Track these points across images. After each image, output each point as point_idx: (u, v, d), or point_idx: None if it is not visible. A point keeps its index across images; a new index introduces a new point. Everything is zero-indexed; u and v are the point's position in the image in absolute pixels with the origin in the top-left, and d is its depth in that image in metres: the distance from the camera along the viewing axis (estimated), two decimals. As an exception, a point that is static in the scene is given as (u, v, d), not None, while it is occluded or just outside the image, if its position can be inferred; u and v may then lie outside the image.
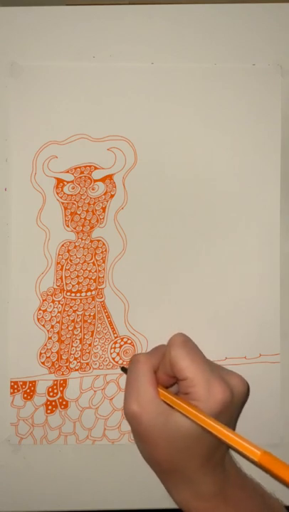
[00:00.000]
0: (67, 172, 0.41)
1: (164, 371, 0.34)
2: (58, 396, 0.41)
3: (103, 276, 0.41)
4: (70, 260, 0.41)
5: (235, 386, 0.33)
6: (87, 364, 0.41)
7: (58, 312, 0.41)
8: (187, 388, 0.32)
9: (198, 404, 0.31)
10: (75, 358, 0.41)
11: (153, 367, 0.34)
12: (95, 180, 0.41)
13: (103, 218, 0.41)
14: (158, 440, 0.32)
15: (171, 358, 0.33)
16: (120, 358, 0.41)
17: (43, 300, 0.41)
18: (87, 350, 0.41)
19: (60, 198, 0.41)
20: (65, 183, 0.41)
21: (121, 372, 0.41)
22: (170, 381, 0.34)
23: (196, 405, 0.31)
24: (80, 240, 0.41)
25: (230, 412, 0.33)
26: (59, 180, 0.41)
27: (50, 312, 0.41)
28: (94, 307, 0.41)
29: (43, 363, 0.41)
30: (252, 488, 0.35)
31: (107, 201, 0.41)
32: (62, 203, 0.41)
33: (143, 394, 0.33)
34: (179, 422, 0.31)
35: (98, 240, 0.41)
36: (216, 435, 0.30)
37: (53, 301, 0.41)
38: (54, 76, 0.41)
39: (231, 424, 0.34)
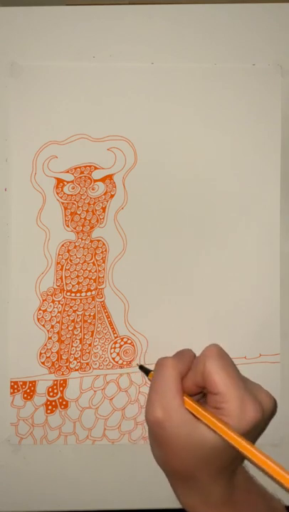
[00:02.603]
0: (67, 172, 0.41)
1: (194, 381, 0.33)
2: (58, 396, 0.41)
3: (103, 276, 0.41)
4: (70, 260, 0.41)
5: (265, 404, 0.32)
6: (87, 364, 0.41)
7: (58, 312, 0.41)
8: (219, 403, 0.31)
9: (229, 421, 0.30)
10: (75, 358, 0.41)
11: (181, 373, 0.33)
12: (95, 180, 0.41)
13: (103, 218, 0.41)
14: (179, 448, 0.31)
15: (205, 370, 0.31)
16: (120, 358, 0.41)
17: (43, 300, 0.41)
18: (87, 350, 0.41)
19: (60, 198, 0.41)
20: (65, 183, 0.41)
21: (121, 372, 0.41)
22: (196, 391, 0.33)
23: (227, 421, 0.30)
24: (80, 240, 0.41)
25: (258, 430, 0.32)
26: (59, 180, 0.41)
27: (50, 312, 0.41)
28: (94, 307, 0.41)
29: (43, 363, 0.41)
30: (257, 490, 0.35)
31: (107, 201, 0.41)
32: (62, 203, 0.41)
33: (169, 401, 0.32)
34: (204, 435, 0.30)
35: (98, 240, 0.41)
36: (249, 457, 0.29)
37: (53, 301, 0.41)
38: (54, 76, 0.41)
39: (255, 441, 0.34)
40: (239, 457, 0.32)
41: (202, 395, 0.34)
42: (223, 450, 0.31)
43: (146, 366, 0.40)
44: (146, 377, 0.40)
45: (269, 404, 0.32)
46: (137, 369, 0.41)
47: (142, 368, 0.40)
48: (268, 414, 0.32)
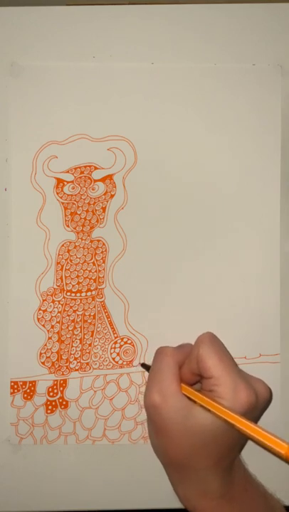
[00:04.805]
0: (67, 172, 0.41)
1: (190, 368, 0.34)
2: (58, 396, 0.41)
3: (103, 276, 0.41)
4: (70, 260, 0.41)
5: (260, 391, 0.32)
6: (87, 364, 0.41)
7: (58, 312, 0.41)
8: (212, 386, 0.32)
9: (223, 403, 0.31)
10: (75, 358, 0.41)
11: (178, 362, 0.34)
12: (95, 180, 0.41)
13: (103, 218, 0.41)
14: (175, 434, 0.32)
15: (198, 356, 0.32)
16: (120, 358, 0.41)
17: (43, 300, 0.41)
18: (87, 350, 0.41)
19: (60, 198, 0.41)
20: (65, 183, 0.41)
21: (121, 372, 0.41)
22: (193, 379, 0.34)
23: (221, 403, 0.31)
24: (80, 240, 0.41)
25: (252, 416, 0.32)
26: (59, 180, 0.41)
27: (50, 312, 0.41)
28: (94, 307, 0.41)
29: (43, 363, 0.41)
30: (256, 488, 0.35)
31: (107, 201, 0.41)
32: (62, 203, 0.41)
33: (166, 386, 0.33)
34: (200, 419, 0.31)
35: (98, 240, 0.41)
36: (242, 429, 0.29)
37: (53, 301, 0.41)
38: (54, 76, 0.41)
39: None
40: (235, 447, 0.33)
41: (201, 385, 0.34)
42: (219, 436, 0.31)
43: (148, 364, 0.40)
44: (147, 373, 0.40)
45: (263, 390, 0.33)
46: (137, 369, 0.41)
47: (143, 365, 0.40)
48: (262, 401, 0.33)
